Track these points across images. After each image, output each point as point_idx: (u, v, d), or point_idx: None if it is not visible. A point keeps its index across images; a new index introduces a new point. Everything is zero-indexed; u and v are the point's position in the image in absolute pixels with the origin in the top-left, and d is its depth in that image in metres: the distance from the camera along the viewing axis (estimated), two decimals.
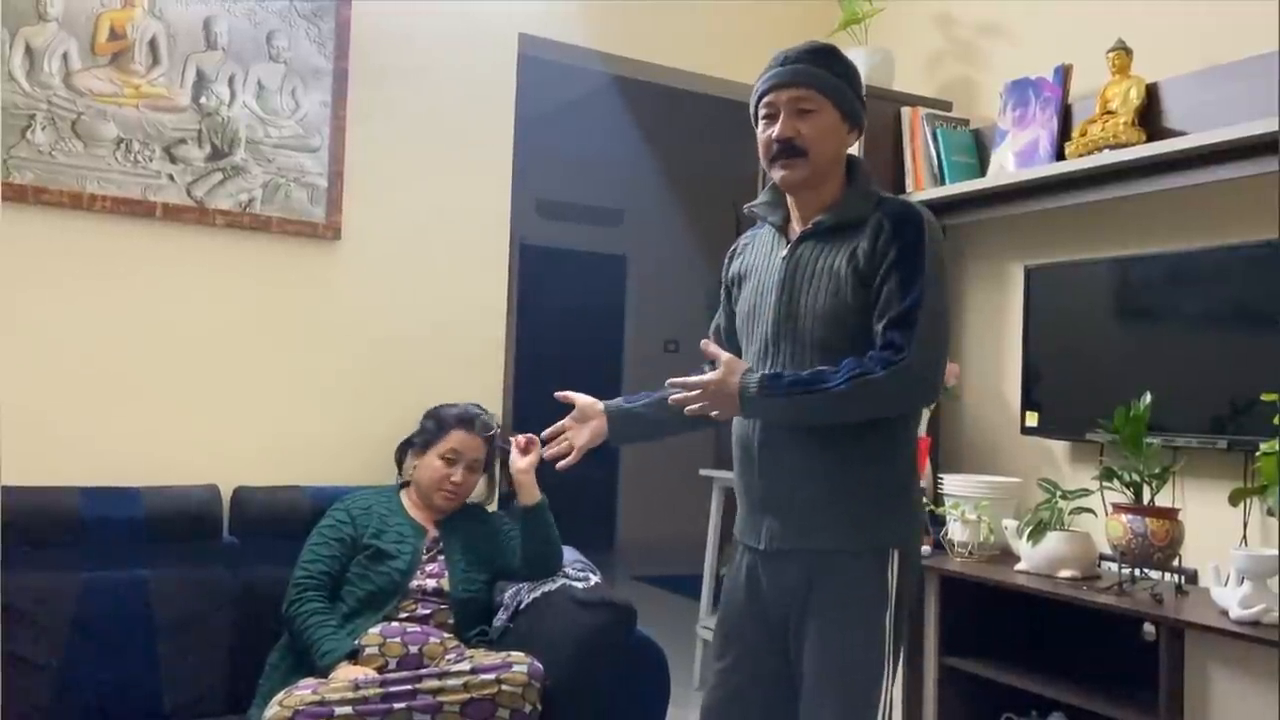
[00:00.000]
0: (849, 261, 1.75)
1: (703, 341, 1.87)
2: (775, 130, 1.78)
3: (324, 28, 2.74)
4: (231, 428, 2.64)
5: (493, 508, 2.68)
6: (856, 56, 3.04)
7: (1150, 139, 2.53)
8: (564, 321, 6.95)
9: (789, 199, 1.87)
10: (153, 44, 2.54)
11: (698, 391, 1.76)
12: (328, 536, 2.37)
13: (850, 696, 1.73)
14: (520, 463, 2.48)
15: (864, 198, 1.81)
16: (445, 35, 2.96)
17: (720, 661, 1.90)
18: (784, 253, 1.84)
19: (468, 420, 2.52)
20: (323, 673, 2.14)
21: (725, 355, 1.78)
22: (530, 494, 2.48)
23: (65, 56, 2.45)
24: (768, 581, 1.83)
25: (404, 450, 2.58)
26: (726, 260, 2.02)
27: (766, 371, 1.75)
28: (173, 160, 2.56)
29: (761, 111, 1.82)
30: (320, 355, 2.76)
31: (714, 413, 1.77)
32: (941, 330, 1.74)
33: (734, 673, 1.87)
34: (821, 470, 1.76)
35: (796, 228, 1.85)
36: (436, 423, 2.53)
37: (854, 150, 1.89)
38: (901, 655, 1.80)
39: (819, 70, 1.78)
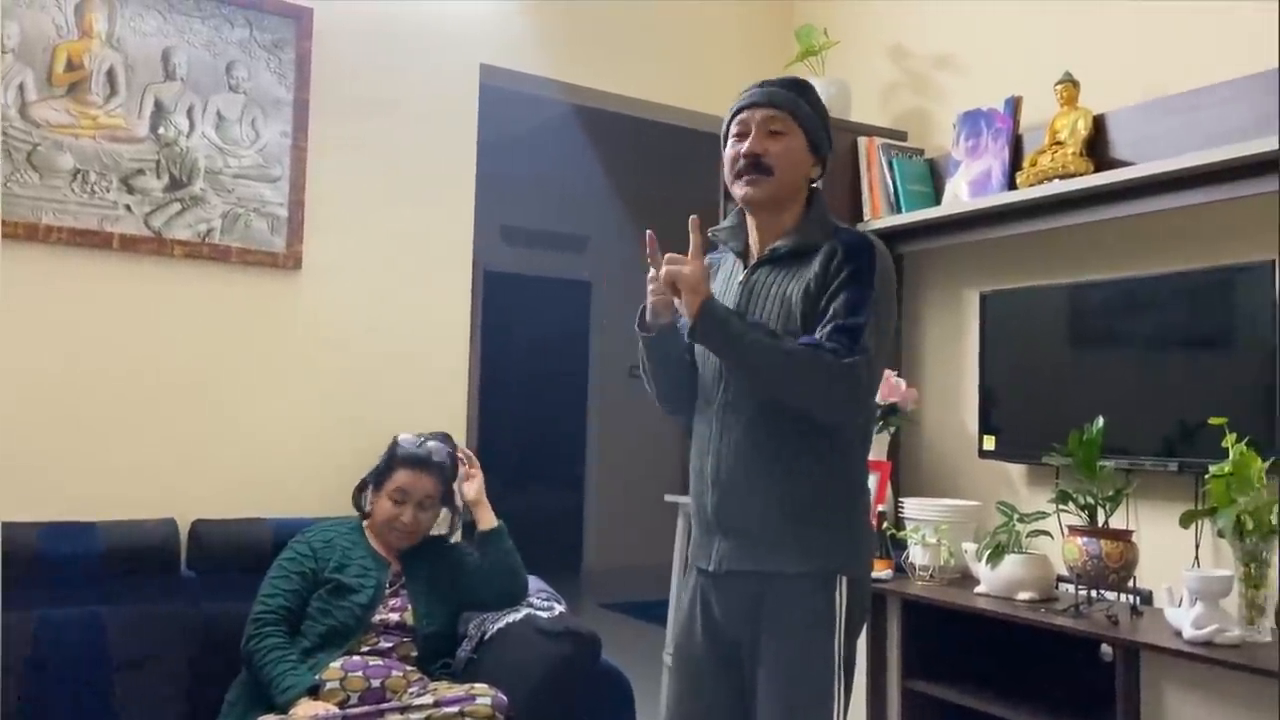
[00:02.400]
0: (801, 288, 1.78)
1: (649, 236, 1.80)
2: (745, 146, 1.82)
3: (284, 59, 2.75)
4: (190, 460, 2.61)
5: (456, 538, 2.66)
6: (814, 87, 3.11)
7: (1098, 169, 2.60)
8: (529, 347, 6.95)
9: (750, 226, 1.90)
10: (110, 75, 2.54)
11: (682, 262, 1.72)
12: (288, 570, 2.34)
13: None
14: (469, 492, 2.50)
15: (821, 227, 1.84)
16: (406, 66, 2.97)
17: (677, 687, 1.91)
18: (740, 278, 1.87)
19: (415, 459, 2.45)
20: (283, 709, 2.11)
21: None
22: (487, 519, 2.50)
23: (21, 87, 2.43)
24: (719, 605, 1.84)
25: (361, 489, 2.53)
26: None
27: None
28: (130, 191, 2.55)
29: (734, 129, 1.86)
30: (281, 386, 2.74)
31: (674, 287, 1.72)
32: (885, 352, 1.78)
33: (689, 700, 1.88)
34: (773, 493, 1.78)
35: (755, 253, 1.88)
36: (388, 460, 2.47)
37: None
38: (852, 681, 1.79)
39: (794, 97, 1.84)
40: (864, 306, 1.73)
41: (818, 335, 1.73)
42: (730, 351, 1.75)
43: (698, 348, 1.93)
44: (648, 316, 1.86)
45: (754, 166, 1.81)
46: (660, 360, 1.90)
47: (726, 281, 1.91)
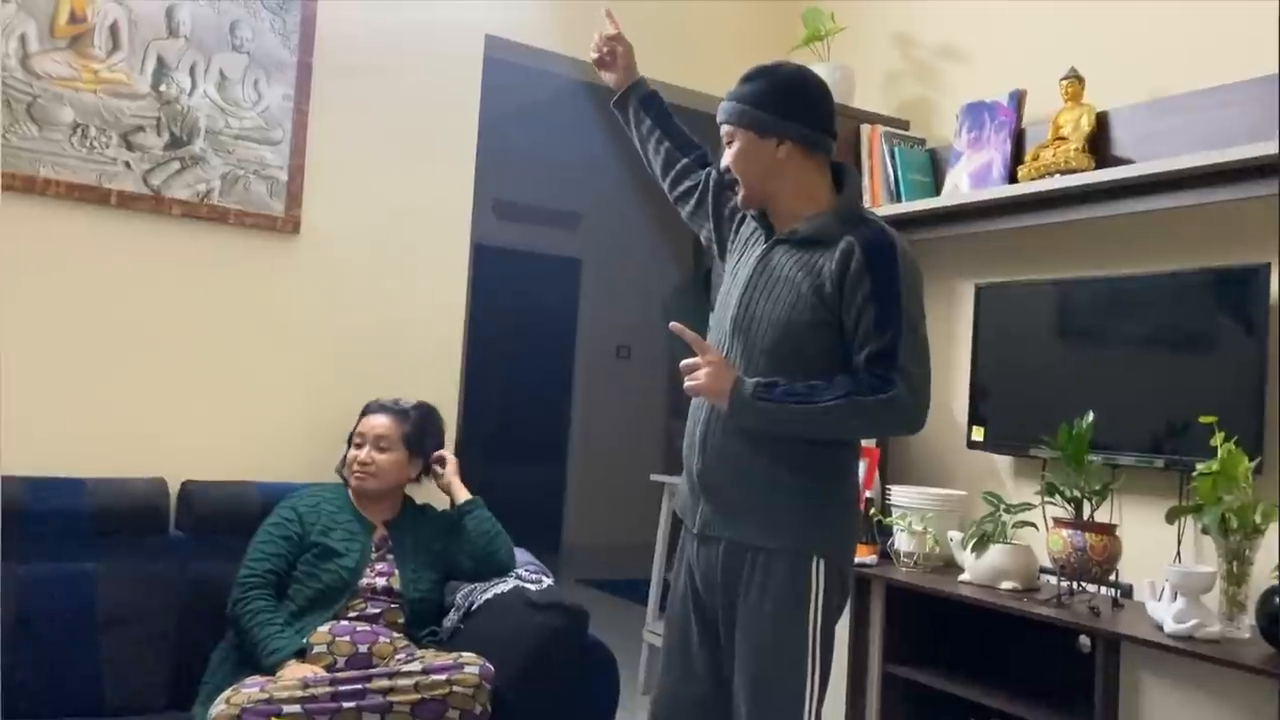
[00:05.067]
0: (811, 277, 1.80)
1: (674, 326, 1.87)
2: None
3: (289, 20, 2.72)
4: (181, 420, 2.60)
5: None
6: (817, 72, 3.11)
7: (1099, 166, 2.61)
8: (516, 322, 6.93)
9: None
10: (113, 29, 2.50)
11: (708, 357, 1.79)
12: (274, 535, 2.35)
13: (769, 703, 1.76)
14: (444, 475, 2.58)
15: (844, 217, 1.85)
16: (411, 34, 2.95)
17: (666, 655, 1.96)
18: (759, 252, 1.90)
19: (372, 406, 2.56)
20: (270, 671, 2.12)
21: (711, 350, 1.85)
22: (461, 494, 2.54)
23: (23, 38, 2.40)
24: (700, 571, 1.88)
25: (344, 461, 2.56)
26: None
27: (762, 379, 1.78)
28: (130, 147, 2.52)
29: None
30: (274, 350, 2.73)
31: (699, 385, 1.79)
32: (925, 363, 1.79)
33: (677, 666, 1.93)
34: (756, 467, 1.81)
35: (776, 227, 1.91)
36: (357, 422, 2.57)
37: (830, 161, 1.94)
38: (829, 662, 1.81)
39: (731, 103, 1.90)
40: (893, 320, 1.75)
41: (855, 360, 1.76)
42: (772, 429, 1.79)
43: (715, 306, 1.98)
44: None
45: (731, 178, 1.93)
46: (634, 128, 2.20)
47: (750, 251, 1.94)
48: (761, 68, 1.92)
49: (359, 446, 2.48)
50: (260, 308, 2.72)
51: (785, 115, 1.86)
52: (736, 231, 2.03)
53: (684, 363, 1.81)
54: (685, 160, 2.15)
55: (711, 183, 2.10)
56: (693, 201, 2.12)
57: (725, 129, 1.91)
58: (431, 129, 2.99)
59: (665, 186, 2.19)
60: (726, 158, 1.91)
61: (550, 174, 6.76)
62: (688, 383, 1.80)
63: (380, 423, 2.50)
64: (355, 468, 2.45)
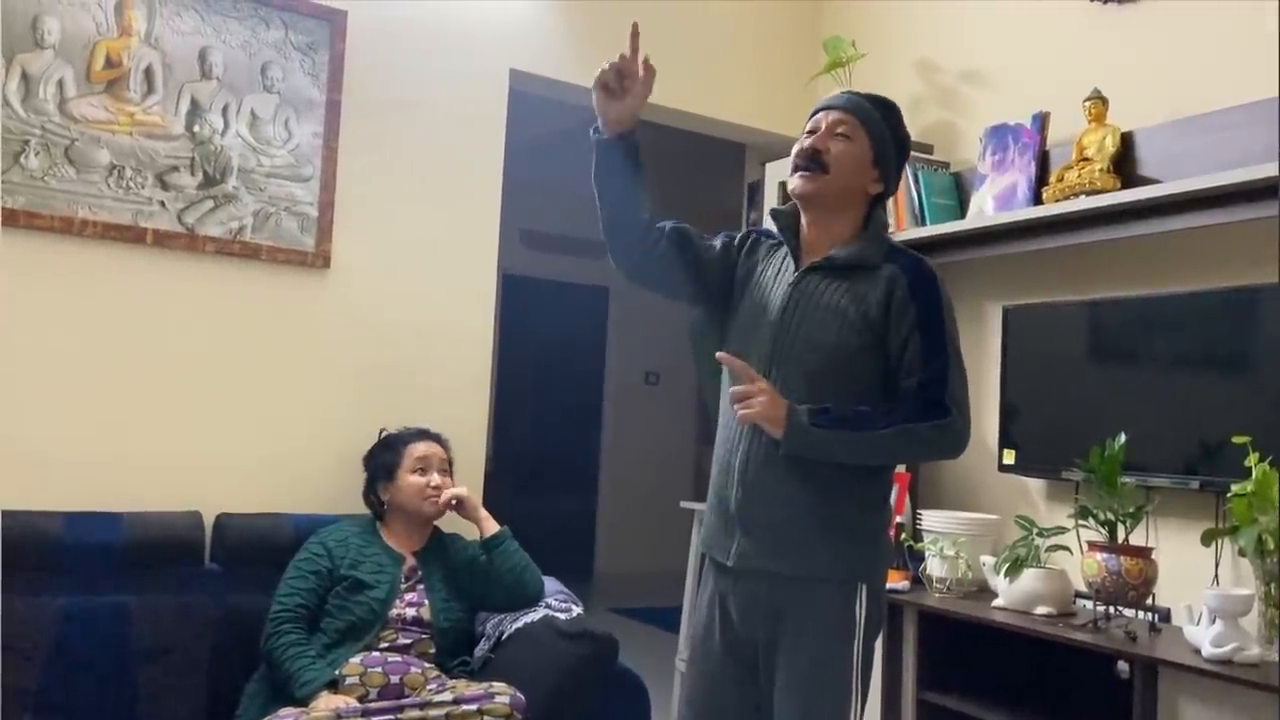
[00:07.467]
0: (857, 305, 1.80)
1: (721, 356, 1.81)
2: (808, 140, 1.87)
3: (318, 60, 2.78)
4: (216, 454, 2.64)
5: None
6: None
7: (1125, 186, 2.60)
8: (545, 351, 6.97)
9: (803, 224, 1.91)
10: (148, 73, 2.57)
11: (759, 385, 1.76)
12: (304, 570, 2.37)
13: None
14: (464, 506, 2.57)
15: (877, 245, 1.86)
16: (438, 70, 3.00)
17: (691, 687, 1.93)
18: (791, 278, 1.87)
19: (420, 431, 2.59)
20: (303, 702, 2.13)
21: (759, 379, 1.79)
22: (489, 526, 2.55)
23: (61, 83, 2.47)
24: (736, 605, 1.85)
25: (372, 489, 2.56)
26: (748, 233, 2.03)
27: (812, 405, 1.76)
28: (165, 187, 2.58)
29: (807, 127, 1.90)
30: (307, 383, 2.77)
31: (753, 413, 1.75)
32: (968, 390, 1.82)
33: (703, 700, 1.90)
34: (801, 496, 1.79)
35: (805, 251, 1.89)
36: (391, 448, 2.56)
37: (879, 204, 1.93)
38: (868, 688, 1.81)
39: (870, 108, 1.87)
40: (942, 349, 1.77)
41: (903, 385, 1.77)
42: (824, 456, 1.77)
43: (735, 332, 1.92)
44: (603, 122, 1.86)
45: (812, 161, 1.84)
46: (607, 172, 1.95)
47: (776, 276, 1.91)
48: (894, 104, 1.92)
49: (423, 472, 2.50)
50: (292, 341, 2.76)
51: (899, 160, 1.90)
52: (759, 251, 1.98)
53: (734, 389, 1.78)
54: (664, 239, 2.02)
55: (716, 255, 2.01)
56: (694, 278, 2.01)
57: (846, 120, 1.85)
58: (458, 162, 3.03)
59: (607, 231, 2.06)
60: (831, 145, 1.84)
61: (577, 204, 6.78)
62: (741, 411, 1.76)
63: (435, 448, 2.56)
64: (429, 493, 2.48)
